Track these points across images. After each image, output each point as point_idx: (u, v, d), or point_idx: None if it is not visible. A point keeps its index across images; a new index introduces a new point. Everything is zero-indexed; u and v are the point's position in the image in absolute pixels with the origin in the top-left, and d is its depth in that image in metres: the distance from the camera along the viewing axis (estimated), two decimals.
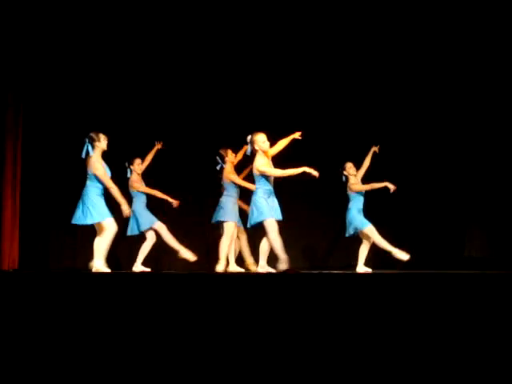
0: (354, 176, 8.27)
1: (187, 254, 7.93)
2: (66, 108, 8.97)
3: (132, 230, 8.15)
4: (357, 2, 8.96)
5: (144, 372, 4.43)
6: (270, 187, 6.96)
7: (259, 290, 5.29)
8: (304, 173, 6.84)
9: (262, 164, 6.90)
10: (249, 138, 7.04)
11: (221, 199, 8.09)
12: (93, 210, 6.93)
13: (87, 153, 6.98)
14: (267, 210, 6.90)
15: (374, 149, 8.49)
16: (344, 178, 8.28)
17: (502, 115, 9.13)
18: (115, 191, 7.02)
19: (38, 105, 8.86)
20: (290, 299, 5.11)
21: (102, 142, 7.03)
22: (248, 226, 7.23)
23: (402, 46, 9.25)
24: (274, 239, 6.90)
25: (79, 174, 7.36)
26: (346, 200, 8.29)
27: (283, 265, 6.91)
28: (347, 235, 8.27)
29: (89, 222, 6.98)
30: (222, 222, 8.00)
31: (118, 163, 7.52)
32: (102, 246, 6.96)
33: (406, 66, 9.32)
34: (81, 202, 6.99)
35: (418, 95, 9.42)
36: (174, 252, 8.03)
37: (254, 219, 6.99)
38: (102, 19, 8.82)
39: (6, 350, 4.54)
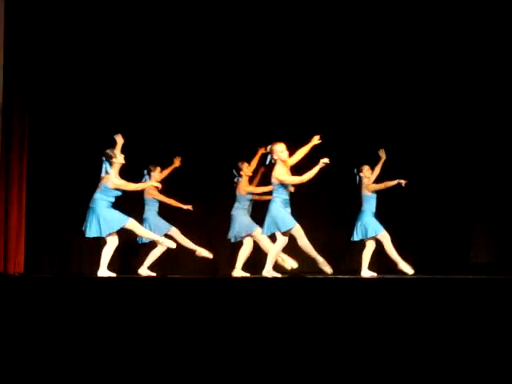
0: (368, 179, 8.26)
1: (204, 253, 7.98)
2: (72, 109, 8.90)
3: (144, 238, 8.07)
4: (370, 11, 9.01)
5: (150, 375, 4.43)
6: (287, 197, 7.03)
7: (265, 295, 5.29)
8: (321, 169, 6.90)
9: (281, 173, 6.95)
10: (268, 148, 7.12)
11: (232, 213, 8.09)
12: (110, 220, 6.98)
13: (106, 170, 7.02)
14: (290, 218, 6.96)
15: (382, 155, 8.41)
16: (358, 181, 8.26)
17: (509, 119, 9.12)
18: (142, 185, 7.62)
19: (45, 106, 8.83)
20: (296, 304, 5.11)
21: (119, 158, 7.05)
22: (264, 233, 7.28)
23: (409, 53, 9.27)
24: (306, 244, 6.99)
25: (86, 177, 7.36)
26: (353, 204, 8.28)
27: (325, 267, 7.02)
28: (356, 239, 8.17)
29: (105, 233, 7.00)
30: (250, 235, 8.00)
31: (124, 170, 7.49)
32: (150, 236, 7.48)
33: (410, 68, 9.30)
34: (92, 215, 7.00)
35: (423, 104, 9.39)
36: (191, 253, 8.06)
37: (275, 228, 6.99)
38: (114, 25, 8.82)
39: (10, 352, 4.55)
